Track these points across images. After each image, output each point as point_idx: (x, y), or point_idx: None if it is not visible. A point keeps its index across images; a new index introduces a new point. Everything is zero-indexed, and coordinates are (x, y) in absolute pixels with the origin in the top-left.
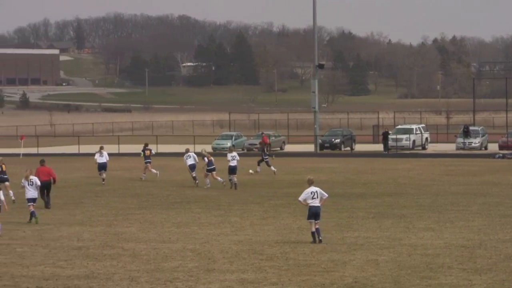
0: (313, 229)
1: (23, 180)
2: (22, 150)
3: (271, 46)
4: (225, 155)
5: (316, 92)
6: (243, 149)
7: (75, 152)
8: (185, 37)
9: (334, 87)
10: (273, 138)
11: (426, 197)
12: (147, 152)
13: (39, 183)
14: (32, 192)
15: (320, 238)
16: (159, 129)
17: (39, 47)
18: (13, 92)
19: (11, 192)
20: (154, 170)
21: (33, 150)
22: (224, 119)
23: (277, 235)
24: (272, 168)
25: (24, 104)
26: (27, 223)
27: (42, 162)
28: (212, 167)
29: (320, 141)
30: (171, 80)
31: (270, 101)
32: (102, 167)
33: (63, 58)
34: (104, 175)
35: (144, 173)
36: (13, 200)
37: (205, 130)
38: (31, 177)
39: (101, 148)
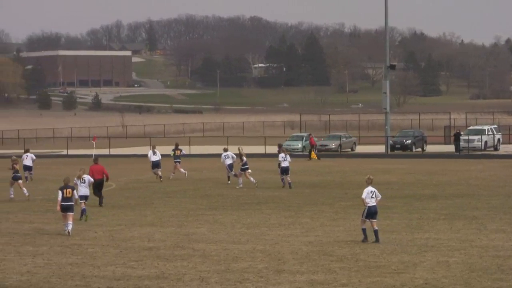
0: (364, 226)
1: (75, 179)
2: (94, 151)
3: (342, 47)
4: (296, 155)
5: (388, 93)
6: None
7: (147, 153)
8: (257, 38)
9: (405, 88)
10: (344, 139)
11: (498, 198)
12: (177, 152)
13: (92, 180)
14: (84, 190)
15: (378, 239)
16: (230, 130)
17: (111, 49)
18: (86, 94)
19: (24, 189)
20: (182, 170)
21: (105, 151)
22: (295, 120)
23: (347, 236)
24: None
25: (97, 105)
26: (78, 219)
27: (95, 160)
28: (246, 166)
29: (391, 142)
30: (242, 81)
31: (341, 102)
32: (155, 165)
33: (135, 59)
34: (159, 173)
35: (173, 173)
36: (28, 196)
37: (276, 131)
38: (84, 175)
39: (154, 147)
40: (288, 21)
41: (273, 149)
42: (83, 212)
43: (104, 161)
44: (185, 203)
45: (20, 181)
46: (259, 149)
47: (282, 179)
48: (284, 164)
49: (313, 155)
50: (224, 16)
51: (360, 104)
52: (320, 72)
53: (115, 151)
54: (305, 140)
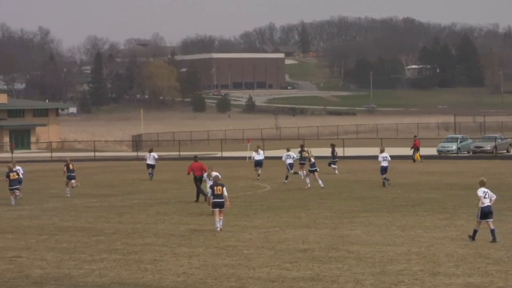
0: (477, 228)
1: (205, 176)
2: (248, 154)
3: (497, 48)
4: (449, 157)
5: None
6: (468, 152)
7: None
8: (410, 39)
9: None
10: (500, 140)
11: None
12: (304, 154)
13: (220, 178)
14: None
15: (496, 238)
16: (384, 132)
17: (264, 51)
18: (240, 96)
19: (71, 187)
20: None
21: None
22: (449, 121)
23: (503, 238)
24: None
25: (250, 107)
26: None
27: (195, 158)
28: (314, 168)
29: None
30: (395, 82)
31: (496, 103)
32: (258, 163)
33: (288, 61)
34: (259, 171)
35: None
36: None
37: (430, 132)
38: (213, 173)
39: (258, 147)
40: (441, 22)
41: (429, 151)
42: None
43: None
44: (339, 205)
45: (73, 181)
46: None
47: (385, 179)
48: (384, 164)
49: (418, 156)
50: (376, 17)
51: None
52: (474, 73)
53: (269, 153)
54: (460, 142)
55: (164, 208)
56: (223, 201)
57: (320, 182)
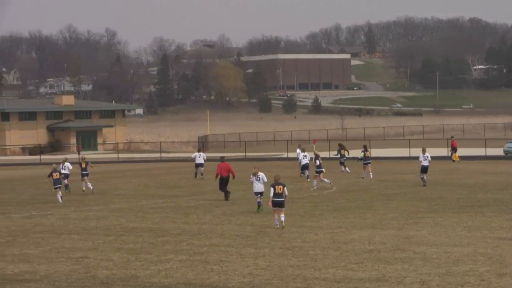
0: None
1: (251, 176)
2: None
3: None
4: None
5: None
6: None
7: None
8: (476, 39)
9: None
10: None
11: None
12: (342, 152)
13: (265, 179)
14: (258, 186)
15: None
16: (450, 132)
17: (330, 52)
18: (306, 97)
19: (89, 184)
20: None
21: (325, 154)
22: None
23: None
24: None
25: (316, 108)
26: (256, 212)
27: (222, 159)
28: (321, 169)
29: None
30: (462, 83)
31: None
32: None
33: (354, 62)
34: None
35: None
36: (92, 190)
37: (497, 133)
38: (259, 173)
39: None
40: (508, 22)
41: (496, 151)
42: (258, 204)
43: (323, 164)
44: (405, 206)
45: (86, 177)
46: (479, 151)
47: (422, 178)
48: (425, 163)
49: (455, 156)
50: (443, 17)
51: None
52: None
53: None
54: None
55: (229, 209)
56: (282, 200)
57: (321, 182)
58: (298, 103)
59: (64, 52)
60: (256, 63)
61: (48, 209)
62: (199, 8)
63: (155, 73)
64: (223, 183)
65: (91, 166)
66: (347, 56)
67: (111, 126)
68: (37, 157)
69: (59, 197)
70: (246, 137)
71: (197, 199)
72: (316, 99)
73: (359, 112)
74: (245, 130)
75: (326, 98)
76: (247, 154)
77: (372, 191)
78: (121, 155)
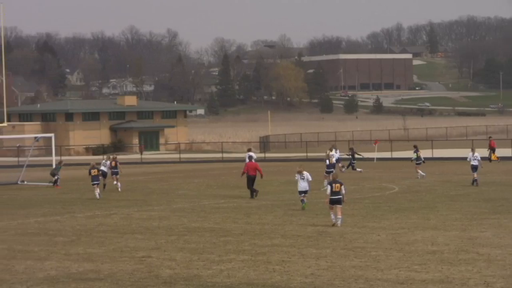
0: None
1: (296, 175)
2: (375, 155)
3: None
4: None
5: None
6: None
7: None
8: None
9: None
10: None
11: None
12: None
13: (310, 178)
14: (303, 185)
15: None
16: None
17: (392, 52)
18: (367, 97)
19: (119, 183)
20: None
21: (387, 155)
22: None
23: None
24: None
25: (378, 108)
26: (301, 210)
27: (250, 158)
28: (331, 170)
29: None
30: None
31: None
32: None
33: (415, 62)
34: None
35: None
36: (118, 188)
37: None
38: (304, 172)
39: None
40: None
41: None
42: (302, 202)
43: (385, 164)
44: (468, 207)
45: (115, 176)
46: None
47: (475, 179)
48: (474, 163)
49: (494, 156)
50: (506, 16)
51: None
52: None
53: (397, 154)
54: None
55: (291, 210)
56: (340, 198)
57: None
58: (360, 103)
59: (126, 53)
60: (317, 63)
61: (111, 208)
62: (260, 9)
63: (216, 73)
64: (251, 181)
65: (121, 169)
66: (409, 56)
67: (173, 126)
68: (100, 157)
69: (97, 194)
70: (307, 138)
71: (259, 199)
72: (377, 99)
73: (421, 112)
74: (306, 130)
75: (388, 98)
76: (308, 154)
77: (434, 191)
78: (183, 155)
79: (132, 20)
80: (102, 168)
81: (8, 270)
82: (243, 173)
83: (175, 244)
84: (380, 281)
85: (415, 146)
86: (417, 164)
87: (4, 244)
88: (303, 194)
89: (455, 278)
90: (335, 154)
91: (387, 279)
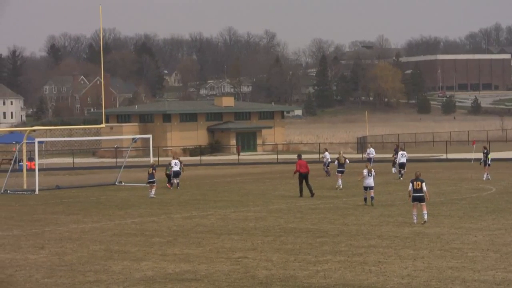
0: None
1: (364, 170)
2: (473, 155)
3: None
4: None
5: None
6: None
7: None
8: None
9: None
10: None
11: None
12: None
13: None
14: (368, 181)
15: None
16: None
17: (490, 52)
18: (465, 98)
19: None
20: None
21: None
22: None
23: None
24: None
25: (476, 109)
26: (369, 206)
27: (299, 157)
28: (342, 169)
29: None
30: None
31: None
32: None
33: None
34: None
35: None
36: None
37: None
38: (372, 170)
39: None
40: None
41: None
42: (371, 199)
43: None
44: None
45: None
46: None
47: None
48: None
49: None
50: None
51: None
52: None
53: (495, 155)
54: None
55: (388, 210)
56: (422, 195)
57: (339, 182)
58: (457, 103)
59: (224, 54)
60: (415, 63)
61: (208, 209)
62: (358, 9)
63: (314, 74)
64: (302, 178)
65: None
66: (507, 56)
67: (270, 127)
68: (198, 158)
69: (150, 192)
70: (404, 138)
71: (355, 200)
72: (475, 100)
73: None
74: (403, 131)
75: (486, 98)
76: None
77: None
78: (280, 156)
79: (230, 21)
80: (174, 167)
81: (105, 270)
82: (296, 171)
83: (272, 244)
84: (477, 282)
85: (485, 147)
86: (486, 165)
87: (102, 245)
88: (367, 189)
89: None
90: (405, 153)
91: (484, 280)
